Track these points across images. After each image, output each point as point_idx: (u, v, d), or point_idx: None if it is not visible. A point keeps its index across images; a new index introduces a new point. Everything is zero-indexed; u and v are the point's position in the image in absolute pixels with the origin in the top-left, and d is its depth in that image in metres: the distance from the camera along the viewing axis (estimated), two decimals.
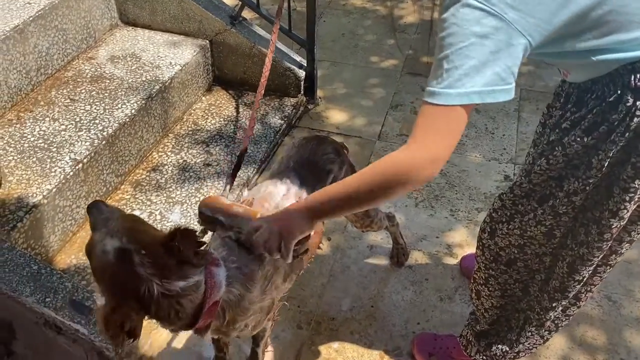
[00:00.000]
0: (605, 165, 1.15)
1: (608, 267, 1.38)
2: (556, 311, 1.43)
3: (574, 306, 1.45)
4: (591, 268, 1.33)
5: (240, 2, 2.60)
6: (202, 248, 1.08)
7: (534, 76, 2.95)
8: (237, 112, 2.62)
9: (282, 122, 2.57)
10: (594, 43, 1.07)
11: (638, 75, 1.07)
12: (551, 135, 1.24)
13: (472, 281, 1.58)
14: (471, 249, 2.05)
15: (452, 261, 2.04)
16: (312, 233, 1.20)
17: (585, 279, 1.36)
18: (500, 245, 1.41)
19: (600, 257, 1.32)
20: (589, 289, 1.41)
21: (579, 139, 1.16)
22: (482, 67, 0.98)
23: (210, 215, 1.28)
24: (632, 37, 1.05)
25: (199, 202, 1.30)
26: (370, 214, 1.72)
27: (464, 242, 2.10)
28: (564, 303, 1.41)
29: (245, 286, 1.20)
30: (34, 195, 1.83)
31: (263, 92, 1.81)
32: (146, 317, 1.04)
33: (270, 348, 1.73)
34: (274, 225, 1.16)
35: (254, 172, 2.33)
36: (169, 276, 1.00)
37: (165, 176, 2.27)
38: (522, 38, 0.99)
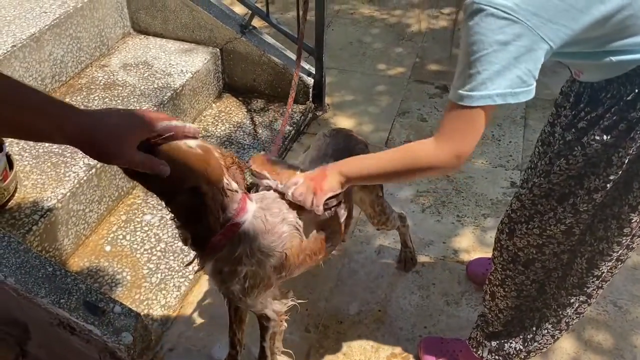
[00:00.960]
0: (626, 162, 1.19)
1: (620, 262, 1.40)
2: (573, 307, 1.46)
3: (585, 303, 1.47)
4: (610, 263, 1.36)
5: (250, 12, 2.64)
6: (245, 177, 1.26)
7: (540, 84, 2.91)
8: (247, 118, 2.66)
9: (291, 128, 2.60)
10: (613, 45, 1.11)
11: None
12: (567, 136, 1.27)
13: (487, 282, 1.60)
14: (478, 254, 2.07)
15: (459, 266, 2.06)
16: (340, 193, 1.31)
17: (603, 275, 1.39)
18: (518, 246, 1.44)
19: (619, 252, 1.34)
20: (601, 285, 1.43)
21: (598, 138, 1.20)
22: (504, 71, 1.05)
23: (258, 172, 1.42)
24: None
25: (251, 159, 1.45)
26: (386, 211, 1.78)
27: (470, 247, 2.12)
28: (581, 299, 1.44)
29: (263, 227, 1.28)
30: (49, 199, 1.88)
31: (290, 110, 1.84)
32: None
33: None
34: (309, 181, 1.30)
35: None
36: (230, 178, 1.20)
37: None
38: (544, 43, 1.05)
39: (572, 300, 1.43)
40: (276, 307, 1.47)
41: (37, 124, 0.92)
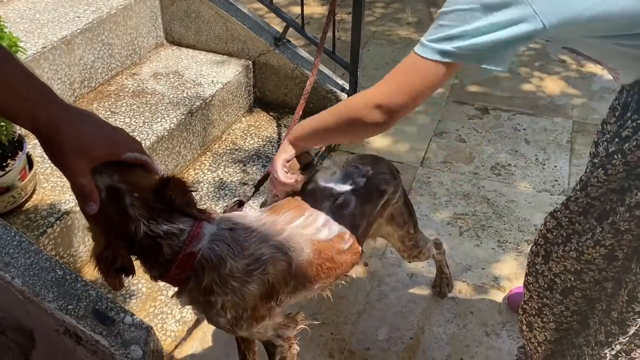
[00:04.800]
0: None
1: None
2: (612, 349, 1.24)
3: (625, 354, 1.25)
4: None
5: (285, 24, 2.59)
6: (193, 199, 1.11)
7: (587, 109, 2.81)
8: (277, 133, 2.56)
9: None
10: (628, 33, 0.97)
11: None
12: (610, 147, 1.12)
13: (521, 312, 1.43)
14: (520, 282, 1.89)
15: (499, 294, 1.88)
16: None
17: None
18: (554, 271, 1.27)
19: None
20: None
21: None
22: (476, 34, 0.93)
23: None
24: None
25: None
26: (419, 245, 1.61)
27: (512, 274, 1.95)
28: (622, 340, 1.22)
29: (230, 250, 1.12)
30: (67, 202, 1.80)
31: (301, 112, 1.78)
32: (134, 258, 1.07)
33: None
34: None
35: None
36: (156, 218, 1.03)
37: (201, 193, 2.21)
38: (536, 18, 0.92)
39: (610, 340, 1.21)
40: (282, 332, 1.31)
41: (2, 101, 0.83)
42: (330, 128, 1.17)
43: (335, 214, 1.28)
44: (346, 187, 1.32)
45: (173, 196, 1.04)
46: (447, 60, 0.96)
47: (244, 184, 2.27)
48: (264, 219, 1.22)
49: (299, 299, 1.31)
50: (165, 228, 1.04)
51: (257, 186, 1.53)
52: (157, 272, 1.11)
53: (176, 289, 1.18)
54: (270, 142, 2.51)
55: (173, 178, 1.05)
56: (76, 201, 1.77)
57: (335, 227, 1.27)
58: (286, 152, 1.27)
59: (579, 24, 0.95)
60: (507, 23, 0.92)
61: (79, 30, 2.19)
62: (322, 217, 1.26)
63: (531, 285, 1.37)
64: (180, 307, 1.75)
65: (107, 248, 1.00)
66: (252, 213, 1.28)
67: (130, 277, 1.07)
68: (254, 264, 1.14)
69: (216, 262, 1.11)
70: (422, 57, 0.98)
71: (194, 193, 1.12)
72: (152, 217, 1.02)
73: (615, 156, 1.09)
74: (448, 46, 0.95)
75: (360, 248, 1.36)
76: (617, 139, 1.11)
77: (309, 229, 1.24)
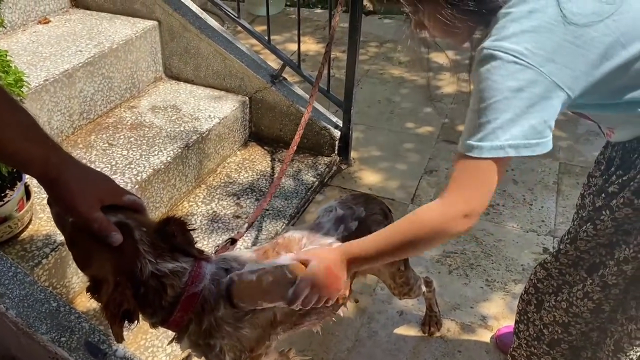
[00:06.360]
0: None
1: None
2: None
3: None
4: (639, 348, 1.21)
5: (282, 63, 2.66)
6: (193, 239, 1.11)
7: (573, 151, 2.89)
8: (270, 167, 2.61)
9: (315, 179, 2.54)
10: (638, 93, 1.02)
11: None
12: (597, 202, 1.17)
13: (509, 358, 1.46)
14: (507, 322, 1.93)
15: (487, 334, 1.91)
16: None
17: None
18: (544, 322, 1.31)
19: None
20: None
21: (628, 202, 1.09)
22: (517, 120, 0.95)
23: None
24: None
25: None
26: (410, 282, 1.64)
27: (499, 314, 1.98)
28: None
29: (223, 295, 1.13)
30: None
31: (295, 147, 1.81)
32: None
33: None
34: (318, 280, 1.07)
35: (283, 227, 2.28)
36: (163, 256, 1.03)
37: (194, 225, 2.23)
38: (560, 91, 0.96)
39: None
40: None
41: (17, 146, 0.87)
42: (396, 247, 1.06)
43: None
44: (339, 235, 1.35)
45: (175, 234, 1.06)
46: (501, 156, 0.97)
47: (237, 217, 2.30)
48: (259, 259, 1.24)
49: (288, 334, 1.33)
50: (171, 266, 1.05)
51: (250, 224, 1.56)
52: (159, 317, 1.09)
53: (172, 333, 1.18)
54: (264, 176, 2.56)
55: (174, 217, 1.08)
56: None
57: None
58: (346, 286, 1.16)
59: (599, 91, 0.99)
60: (539, 100, 0.95)
61: (80, 64, 2.24)
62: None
63: (521, 333, 1.40)
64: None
65: (115, 289, 0.99)
66: (245, 253, 1.30)
67: (135, 323, 1.05)
68: (238, 312, 1.14)
69: (213, 305, 1.11)
70: (482, 159, 0.97)
71: (192, 232, 1.14)
72: (159, 255, 1.03)
73: (604, 212, 1.13)
74: (496, 142, 0.96)
75: (349, 286, 1.39)
76: (603, 194, 1.16)
77: None
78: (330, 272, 1.08)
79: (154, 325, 1.13)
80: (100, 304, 1.03)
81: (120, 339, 1.04)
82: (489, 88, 0.96)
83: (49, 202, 1.04)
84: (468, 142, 0.98)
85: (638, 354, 1.22)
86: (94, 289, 1.04)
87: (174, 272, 1.05)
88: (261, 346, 1.21)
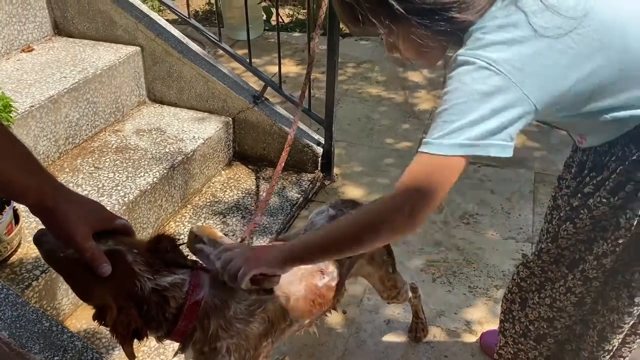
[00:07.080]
0: (635, 224, 1.13)
1: (637, 336, 1.33)
2: None
3: None
4: (621, 336, 1.28)
5: (263, 84, 2.73)
6: (183, 252, 1.16)
7: (547, 161, 2.99)
8: (255, 186, 2.66)
9: (299, 195, 2.60)
10: (608, 102, 1.07)
11: None
12: (573, 202, 1.23)
13: (497, 357, 1.52)
14: (490, 326, 1.99)
15: (472, 338, 1.96)
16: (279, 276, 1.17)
17: (614, 349, 1.31)
18: (530, 318, 1.37)
19: (631, 324, 1.27)
20: None
21: (604, 200, 1.15)
22: (480, 122, 0.97)
23: (196, 236, 1.29)
24: None
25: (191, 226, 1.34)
26: (398, 285, 1.71)
27: (483, 318, 2.04)
28: None
29: (231, 294, 1.17)
30: None
31: (281, 168, 1.87)
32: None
33: None
34: (247, 251, 1.14)
35: (270, 242, 2.32)
36: (160, 272, 1.07)
37: (182, 245, 2.26)
38: (526, 100, 0.99)
39: None
40: None
41: (13, 176, 0.90)
42: (339, 241, 1.08)
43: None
44: None
45: (168, 249, 1.10)
46: (458, 154, 0.98)
47: (224, 235, 2.34)
48: None
49: (288, 334, 1.38)
50: (170, 279, 1.09)
51: (242, 239, 1.61)
52: (164, 329, 1.12)
53: (175, 344, 1.21)
54: (249, 194, 2.60)
55: (164, 234, 1.13)
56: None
57: (331, 267, 1.38)
58: (270, 267, 1.13)
59: (565, 102, 1.04)
60: (504, 107, 0.97)
61: (65, 90, 2.28)
62: None
63: (507, 332, 1.45)
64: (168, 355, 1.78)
65: (120, 312, 1.01)
66: None
67: (144, 340, 1.08)
68: (254, 304, 1.21)
69: (220, 306, 1.16)
70: (436, 155, 0.98)
71: (181, 247, 1.19)
72: (156, 271, 1.07)
73: (582, 211, 1.19)
74: (455, 140, 0.97)
75: (344, 285, 1.46)
76: (579, 195, 1.21)
77: (302, 269, 1.34)
78: (258, 249, 1.17)
79: (159, 339, 1.16)
80: (108, 328, 1.05)
81: (132, 357, 1.07)
82: (457, 90, 0.99)
83: (36, 242, 1.07)
84: (428, 139, 1.00)
85: (620, 340, 1.28)
86: (99, 317, 1.07)
87: (173, 284, 1.10)
88: (262, 344, 1.26)
